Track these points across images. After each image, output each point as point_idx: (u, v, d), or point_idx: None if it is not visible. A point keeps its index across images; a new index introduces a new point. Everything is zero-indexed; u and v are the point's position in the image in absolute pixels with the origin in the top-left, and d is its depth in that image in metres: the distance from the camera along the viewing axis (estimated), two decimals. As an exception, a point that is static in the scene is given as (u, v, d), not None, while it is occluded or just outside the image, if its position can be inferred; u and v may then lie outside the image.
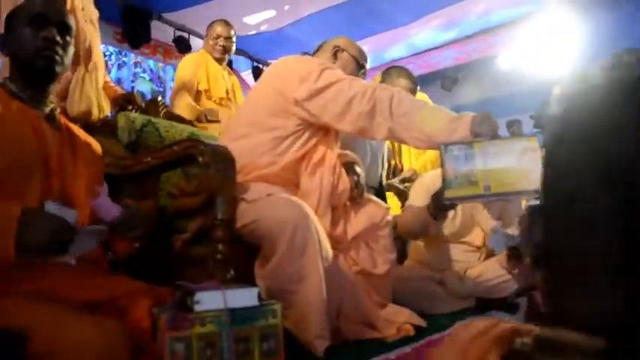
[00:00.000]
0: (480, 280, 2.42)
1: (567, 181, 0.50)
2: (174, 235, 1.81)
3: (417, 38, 5.21)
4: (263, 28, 4.89)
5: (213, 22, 3.54)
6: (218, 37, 3.44)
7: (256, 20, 4.76)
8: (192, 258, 1.69)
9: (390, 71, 2.68)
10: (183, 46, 4.71)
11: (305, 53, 2.44)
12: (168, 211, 1.88)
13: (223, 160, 1.63)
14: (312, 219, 1.59)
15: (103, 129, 2.09)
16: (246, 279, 1.64)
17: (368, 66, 2.14)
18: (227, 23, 3.51)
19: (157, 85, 5.33)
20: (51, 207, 1.26)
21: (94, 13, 2.12)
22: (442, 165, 1.63)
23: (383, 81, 2.61)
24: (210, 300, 1.17)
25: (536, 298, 2.09)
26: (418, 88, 2.79)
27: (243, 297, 1.23)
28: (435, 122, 1.70)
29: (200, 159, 1.63)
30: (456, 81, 5.80)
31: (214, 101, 3.31)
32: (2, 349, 1.04)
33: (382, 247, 1.98)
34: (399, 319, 1.86)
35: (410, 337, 1.80)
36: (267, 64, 5.34)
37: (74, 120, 2.01)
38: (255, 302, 1.23)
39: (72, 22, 1.46)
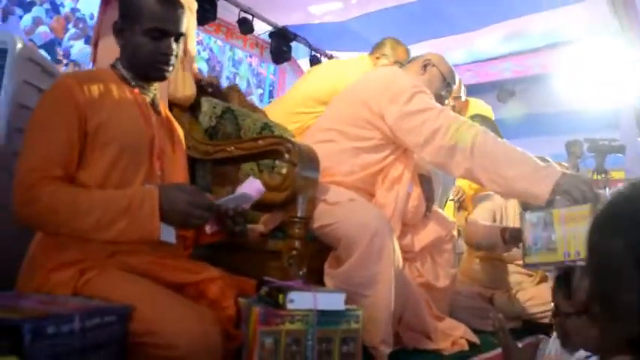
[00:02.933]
0: (530, 304, 2.42)
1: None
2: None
3: (477, 45, 5.16)
4: (327, 18, 4.88)
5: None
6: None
7: (321, 10, 4.76)
8: (267, 250, 1.74)
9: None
10: (246, 28, 4.74)
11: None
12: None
13: (309, 160, 1.68)
14: (390, 227, 1.63)
15: (185, 112, 2.15)
16: (314, 276, 1.69)
17: (455, 87, 2.14)
18: None
19: (214, 63, 5.39)
20: None
21: (193, 3, 2.17)
22: (522, 232, 1.67)
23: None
24: (302, 300, 1.23)
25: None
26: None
27: (332, 300, 1.28)
28: (518, 168, 1.69)
29: (287, 156, 1.67)
30: (513, 94, 5.72)
31: None
32: (109, 324, 1.10)
33: (445, 261, 2.02)
34: (455, 332, 1.89)
35: (465, 352, 1.84)
36: (326, 55, 5.35)
37: (177, 103, 2.08)
38: (341, 306, 1.29)
39: (185, 26, 1.48)
